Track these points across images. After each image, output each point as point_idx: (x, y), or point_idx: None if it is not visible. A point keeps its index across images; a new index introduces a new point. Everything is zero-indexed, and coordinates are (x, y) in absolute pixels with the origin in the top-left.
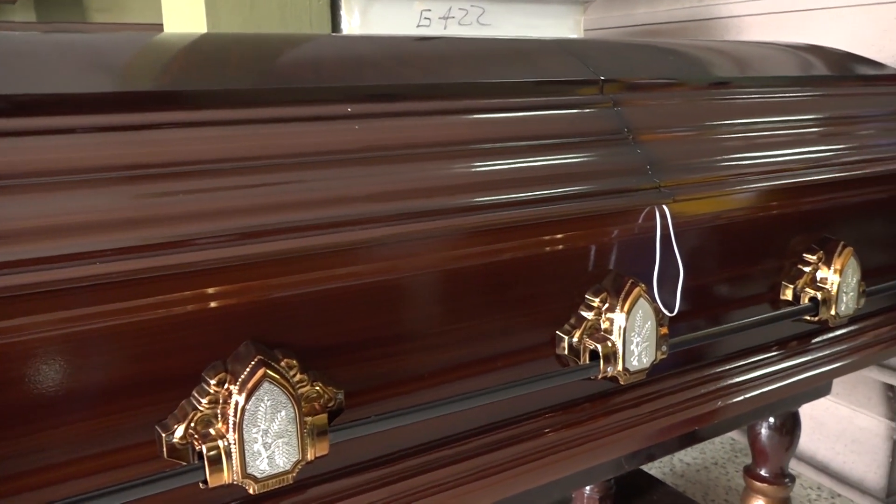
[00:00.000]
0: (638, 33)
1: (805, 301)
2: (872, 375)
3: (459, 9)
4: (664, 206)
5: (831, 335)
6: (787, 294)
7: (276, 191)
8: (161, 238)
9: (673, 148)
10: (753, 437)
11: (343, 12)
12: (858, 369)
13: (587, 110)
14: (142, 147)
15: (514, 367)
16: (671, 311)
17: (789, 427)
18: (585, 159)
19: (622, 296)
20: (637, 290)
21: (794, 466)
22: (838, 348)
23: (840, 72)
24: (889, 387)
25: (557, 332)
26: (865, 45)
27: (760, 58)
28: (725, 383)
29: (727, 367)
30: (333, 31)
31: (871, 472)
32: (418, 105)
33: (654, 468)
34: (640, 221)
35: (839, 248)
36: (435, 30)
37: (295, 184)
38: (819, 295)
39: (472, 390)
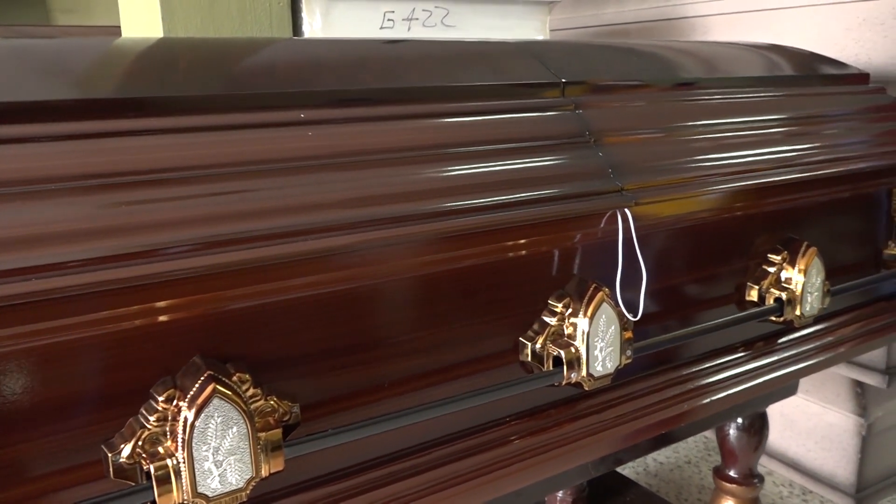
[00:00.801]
0: (606, 33)
1: (770, 302)
2: (841, 372)
3: (423, 10)
4: (626, 210)
5: (797, 335)
6: (753, 295)
7: (225, 200)
8: (112, 251)
9: (636, 150)
10: (722, 438)
11: (304, 14)
12: (825, 368)
13: (548, 113)
14: (90, 156)
15: (478, 374)
16: (635, 316)
17: (757, 427)
18: (545, 163)
19: (585, 300)
20: (600, 294)
21: (766, 464)
22: (804, 348)
23: (804, 72)
24: (857, 383)
25: (520, 338)
26: (829, 45)
27: (725, 58)
28: (692, 386)
29: (693, 370)
30: (294, 34)
31: (842, 467)
32: (373, 110)
33: (627, 468)
34: (602, 225)
35: (803, 249)
36: (398, 31)
37: (244, 193)
38: (784, 295)
39: (435, 399)
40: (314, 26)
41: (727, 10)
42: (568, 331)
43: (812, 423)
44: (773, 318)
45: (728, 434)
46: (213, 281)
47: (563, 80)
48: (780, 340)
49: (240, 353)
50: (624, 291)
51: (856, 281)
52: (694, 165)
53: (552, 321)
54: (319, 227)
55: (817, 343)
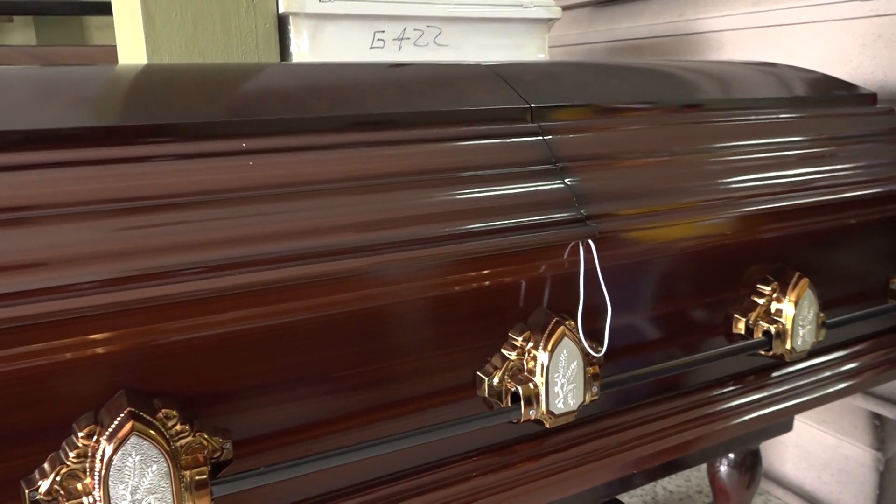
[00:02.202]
0: (620, 49)
1: (758, 335)
2: (858, 403)
3: (415, 29)
4: (589, 241)
5: (790, 369)
6: (740, 327)
7: (157, 233)
8: (39, 284)
9: (604, 178)
10: (713, 475)
11: (292, 35)
12: (821, 405)
13: (510, 140)
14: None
15: (432, 409)
16: (597, 351)
17: (750, 464)
18: (504, 193)
19: (545, 334)
20: (561, 329)
21: (781, 496)
22: (798, 383)
23: (804, 92)
24: (875, 415)
25: (478, 372)
26: (844, 61)
27: (714, 78)
28: (670, 423)
29: (672, 406)
30: (282, 56)
31: None
32: (322, 138)
33: (635, 496)
34: (566, 256)
35: (794, 279)
36: (389, 52)
37: (181, 225)
38: (773, 328)
39: (384, 435)
40: (302, 48)
41: (741, 26)
42: (528, 366)
43: (828, 456)
44: (762, 353)
45: (719, 471)
46: (141, 314)
47: (532, 105)
48: (774, 375)
49: (170, 387)
50: (588, 326)
51: (854, 314)
52: (669, 194)
53: (512, 355)
54: (255, 260)
55: (812, 378)
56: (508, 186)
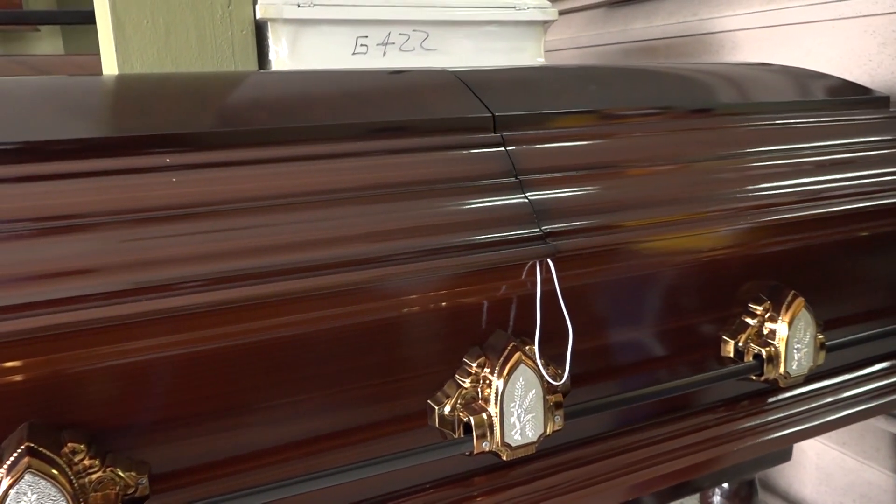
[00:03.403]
0: (634, 50)
1: (749, 358)
2: (881, 425)
3: (400, 34)
4: (548, 261)
5: (787, 395)
6: (728, 350)
7: (74, 252)
8: None
9: (570, 192)
10: None
11: (270, 42)
12: (822, 434)
13: (468, 151)
14: None
15: (381, 439)
16: (557, 379)
17: (745, 495)
18: (457, 208)
19: (501, 360)
20: (518, 354)
21: None
22: (796, 410)
23: (810, 96)
24: None
25: (429, 400)
26: (863, 61)
27: (701, 82)
28: (649, 454)
29: (651, 435)
30: (260, 63)
31: None
32: (250, 153)
33: None
34: (524, 276)
35: (789, 298)
36: (373, 57)
37: (99, 242)
38: (764, 351)
39: (329, 466)
40: (281, 54)
41: (756, 25)
42: (484, 393)
43: (849, 480)
44: (754, 377)
45: (712, 502)
46: (48, 343)
47: (494, 114)
48: (771, 400)
49: (81, 419)
50: (549, 351)
51: (857, 336)
52: (644, 207)
53: (466, 382)
54: (177, 282)
55: (814, 404)
56: (462, 202)
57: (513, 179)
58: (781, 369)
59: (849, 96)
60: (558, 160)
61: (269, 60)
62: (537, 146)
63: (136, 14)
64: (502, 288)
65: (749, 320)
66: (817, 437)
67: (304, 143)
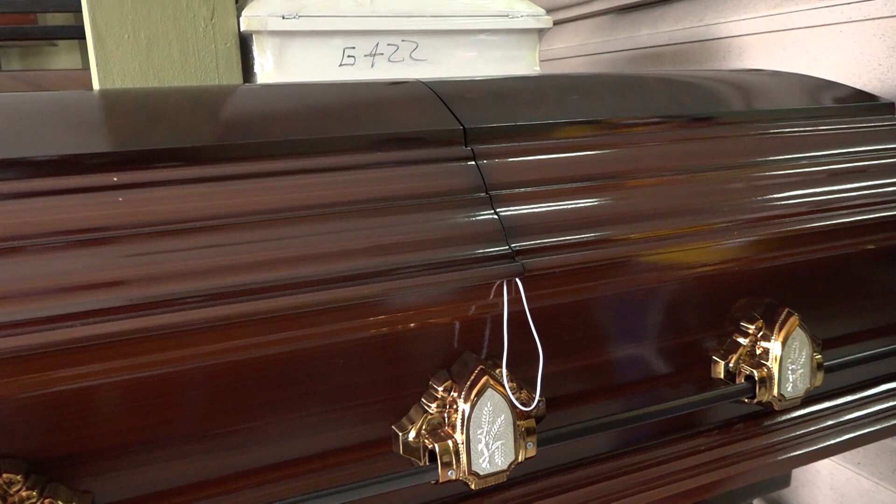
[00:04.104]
0: (640, 58)
1: (741, 380)
2: None
3: (388, 44)
4: (517, 280)
5: (783, 418)
6: (719, 371)
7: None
8: None
9: (541, 208)
10: None
11: (255, 54)
12: (822, 459)
13: (436, 165)
14: None
15: (340, 467)
16: (527, 404)
17: None
18: (422, 225)
19: (468, 384)
20: (485, 379)
21: None
22: (793, 434)
23: (808, 102)
24: None
25: (393, 426)
26: (871, 65)
27: (691, 90)
28: (633, 482)
29: (635, 461)
30: (245, 76)
31: None
32: (214, 169)
33: None
34: (491, 297)
35: (783, 317)
36: (360, 69)
37: (36, 265)
38: (756, 373)
39: (286, 496)
40: (266, 67)
41: (762, 30)
42: (451, 419)
43: (865, 501)
44: (746, 400)
45: None
46: None
47: (465, 126)
48: (766, 424)
49: (19, 448)
50: (518, 375)
51: (858, 355)
52: (624, 222)
53: (431, 407)
54: (120, 307)
55: (812, 428)
56: (427, 219)
57: (483, 195)
58: (775, 391)
59: (854, 103)
60: (532, 174)
61: (255, 73)
62: (510, 160)
63: (118, 28)
64: (471, 308)
65: (741, 339)
66: (831, 458)
67: (259, 159)
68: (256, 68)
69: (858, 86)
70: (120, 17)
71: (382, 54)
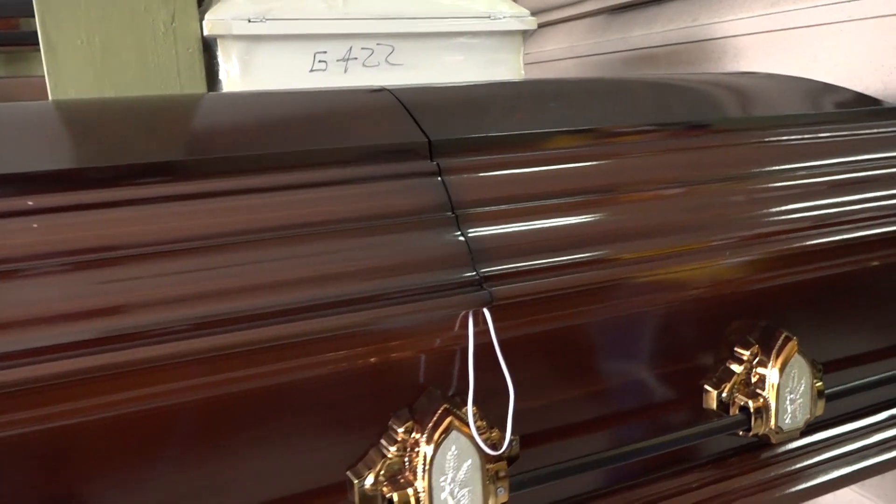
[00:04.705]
0: (634, 59)
1: (735, 411)
2: None
3: (363, 48)
4: (484, 310)
5: (781, 450)
6: (711, 401)
7: None
8: None
9: (513, 228)
10: None
11: (220, 60)
12: (824, 494)
13: (394, 182)
14: None
15: None
16: (497, 447)
17: None
18: (375, 251)
19: (431, 425)
20: (449, 419)
21: None
22: (792, 468)
23: (788, 108)
24: None
25: (348, 472)
26: (875, 66)
27: (680, 97)
28: None
29: (625, 498)
30: (210, 84)
31: None
32: (148, 190)
33: None
34: (456, 329)
35: (780, 342)
36: (333, 74)
37: None
38: (752, 403)
39: None
40: (231, 73)
41: (759, 30)
42: (412, 463)
43: None
44: (741, 433)
45: None
46: None
47: (431, 139)
48: (763, 456)
49: None
50: (485, 413)
51: (863, 381)
52: (606, 243)
53: (391, 451)
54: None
55: (815, 460)
56: (383, 242)
57: (448, 214)
58: (772, 423)
59: (856, 108)
60: (504, 190)
61: (220, 81)
62: (480, 174)
63: (69, 34)
64: (436, 341)
65: (734, 367)
66: None
67: (195, 179)
68: (221, 75)
69: (861, 89)
70: (72, 21)
71: (356, 59)
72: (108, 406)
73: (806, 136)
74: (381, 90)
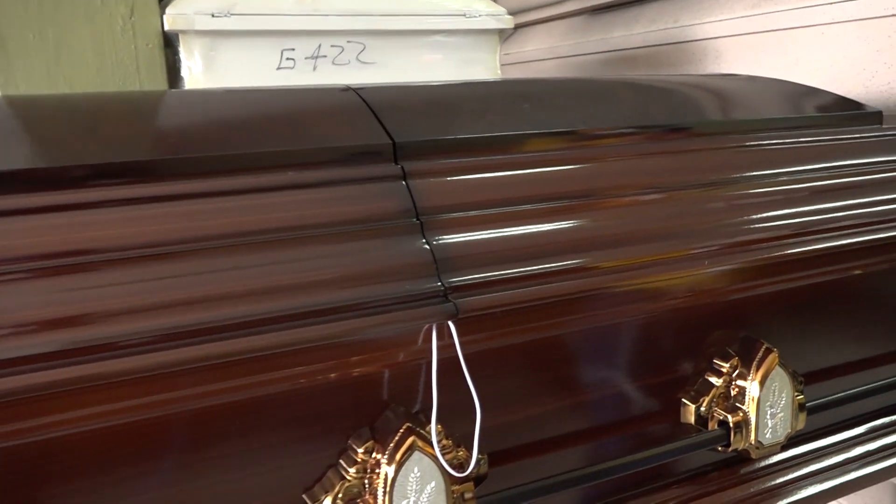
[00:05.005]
0: (615, 60)
1: (713, 426)
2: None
3: (332, 46)
4: (449, 323)
5: (761, 465)
6: (689, 416)
7: None
8: None
9: (482, 235)
10: None
11: (182, 56)
12: None
13: (357, 186)
14: None
15: None
16: (463, 468)
17: None
18: (335, 259)
19: (392, 446)
20: (411, 439)
21: None
22: (773, 483)
23: (764, 112)
24: None
25: (304, 496)
26: (856, 70)
27: (658, 99)
28: None
29: None
30: (171, 80)
31: None
32: (89, 193)
33: None
34: (420, 343)
35: (760, 353)
36: (301, 72)
37: None
38: (731, 418)
39: None
40: (194, 70)
41: (739, 31)
42: (372, 485)
43: None
44: (720, 449)
45: None
46: None
47: (395, 140)
48: (743, 472)
49: None
50: (449, 433)
51: (846, 393)
52: (569, 255)
53: (350, 473)
54: None
55: (796, 474)
56: (343, 251)
57: (413, 220)
58: (752, 438)
59: (838, 112)
60: (472, 196)
61: (182, 78)
62: (448, 178)
63: (21, 27)
64: (400, 355)
65: (713, 379)
66: None
67: (137, 183)
68: (184, 72)
69: (842, 92)
70: (23, 13)
71: (326, 56)
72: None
73: (787, 140)
74: (346, 89)
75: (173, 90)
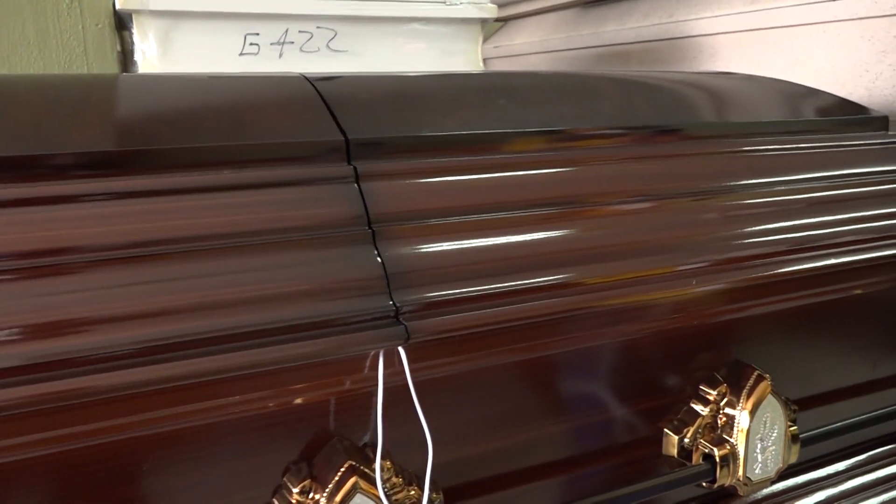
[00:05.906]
0: (607, 56)
1: (698, 459)
2: None
3: (300, 31)
4: (399, 349)
5: (750, 499)
6: (671, 448)
7: None
8: None
9: (441, 247)
10: None
11: (135, 38)
12: None
13: (302, 189)
14: None
15: None
16: None
17: None
18: (271, 273)
19: (331, 486)
20: (354, 479)
21: None
22: None
23: (763, 115)
24: None
25: None
26: (858, 71)
27: (646, 97)
28: None
29: None
30: (123, 63)
31: None
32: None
33: None
34: (366, 371)
35: (751, 381)
36: (266, 58)
37: None
38: (717, 451)
39: None
40: (148, 54)
41: (737, 28)
42: None
43: None
44: (704, 485)
45: None
46: None
47: (349, 138)
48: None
49: None
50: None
51: (839, 424)
52: (539, 271)
53: None
54: None
55: None
56: (282, 263)
57: (364, 228)
58: (740, 473)
59: (841, 116)
60: (433, 201)
61: (135, 62)
62: (406, 181)
63: None
64: (346, 383)
65: (699, 408)
66: None
67: (46, 178)
68: (137, 55)
69: (843, 94)
70: None
71: (293, 43)
72: None
73: (786, 145)
74: (297, 77)
75: (105, 74)
